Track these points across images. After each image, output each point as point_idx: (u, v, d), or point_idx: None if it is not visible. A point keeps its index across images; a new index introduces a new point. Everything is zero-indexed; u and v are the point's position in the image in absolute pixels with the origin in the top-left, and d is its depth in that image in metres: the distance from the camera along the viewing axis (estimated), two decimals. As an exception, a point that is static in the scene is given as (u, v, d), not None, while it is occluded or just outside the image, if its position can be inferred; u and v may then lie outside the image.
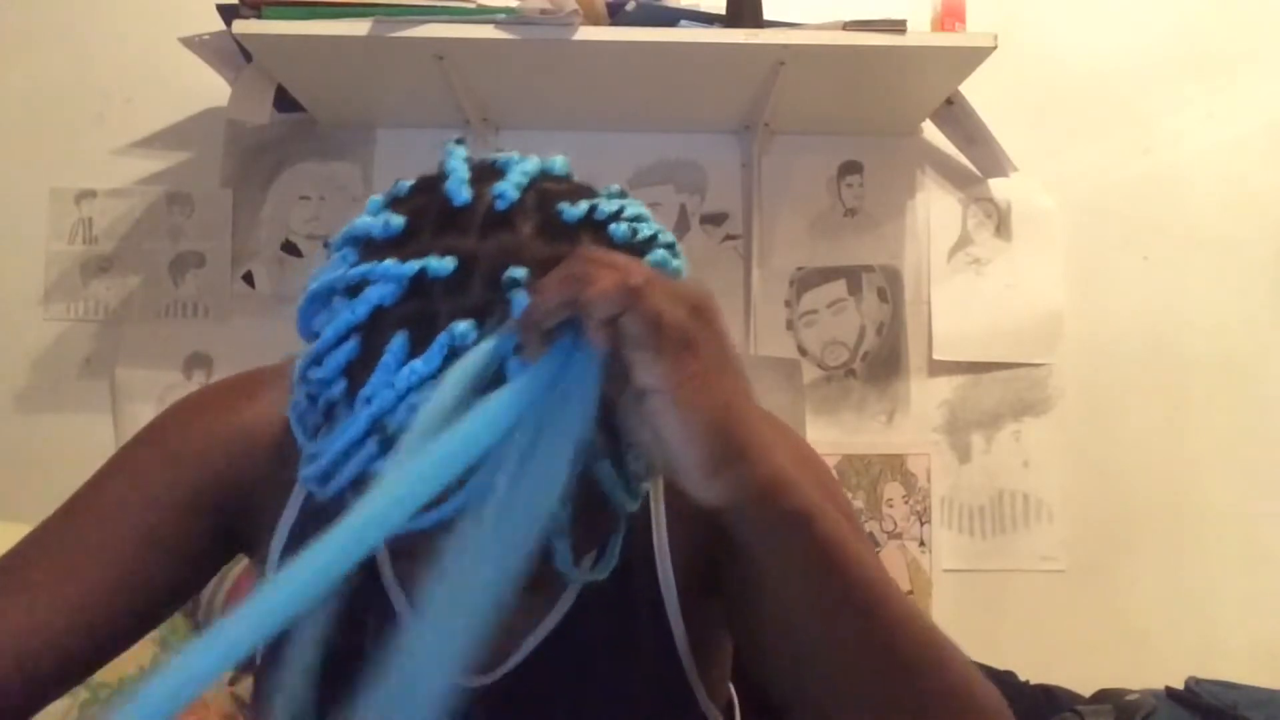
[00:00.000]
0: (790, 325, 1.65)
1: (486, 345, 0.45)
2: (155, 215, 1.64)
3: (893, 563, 1.61)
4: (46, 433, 1.58)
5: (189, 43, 1.46)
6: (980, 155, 1.64)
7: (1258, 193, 1.68)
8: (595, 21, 1.37)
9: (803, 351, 1.64)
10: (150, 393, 1.57)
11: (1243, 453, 1.64)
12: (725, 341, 0.46)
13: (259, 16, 1.32)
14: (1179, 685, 1.37)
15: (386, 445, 0.47)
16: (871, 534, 1.61)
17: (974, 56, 1.39)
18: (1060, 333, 1.65)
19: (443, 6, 1.32)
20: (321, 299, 0.51)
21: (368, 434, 0.47)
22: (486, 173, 0.53)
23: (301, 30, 1.31)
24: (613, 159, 1.65)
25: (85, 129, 1.65)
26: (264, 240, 1.64)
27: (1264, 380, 1.65)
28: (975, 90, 1.52)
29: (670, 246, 0.54)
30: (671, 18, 1.39)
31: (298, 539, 0.64)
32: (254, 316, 1.60)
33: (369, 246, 0.50)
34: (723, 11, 1.40)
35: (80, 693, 1.24)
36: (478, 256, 0.48)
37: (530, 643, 0.64)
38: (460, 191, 0.50)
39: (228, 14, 1.35)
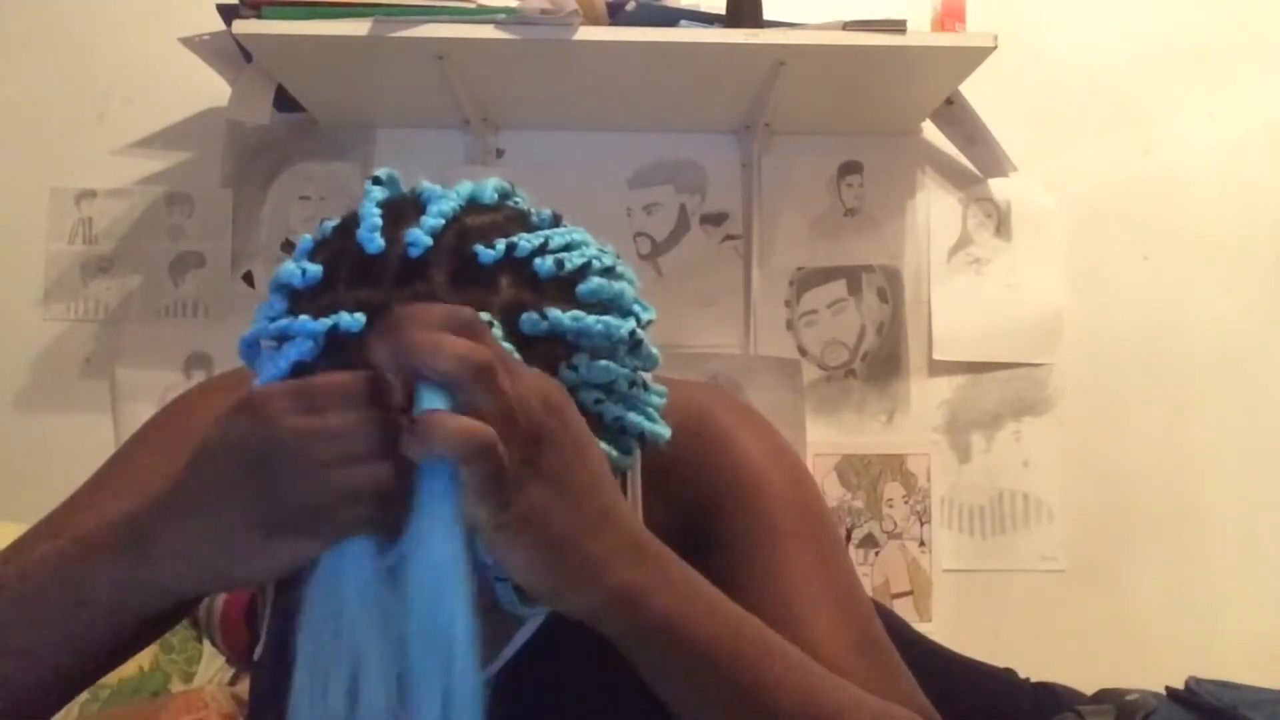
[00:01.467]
0: (790, 325, 1.65)
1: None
2: (155, 215, 1.64)
3: (893, 563, 1.61)
4: (46, 433, 1.58)
5: (189, 43, 1.46)
6: (980, 155, 1.64)
7: (1258, 193, 1.69)
8: (595, 21, 1.37)
9: (803, 351, 1.64)
10: (150, 393, 1.57)
11: (1243, 453, 1.64)
12: (575, 434, 0.45)
13: (259, 16, 1.32)
14: (1179, 685, 1.37)
15: None
16: (871, 534, 1.61)
17: (974, 56, 1.39)
18: (1060, 333, 1.65)
19: (443, 6, 1.32)
20: (252, 345, 0.51)
21: None
22: (405, 212, 0.51)
23: (301, 30, 1.31)
24: (613, 159, 1.65)
25: (85, 129, 1.65)
26: (264, 240, 1.64)
27: (1264, 380, 1.65)
28: (975, 90, 1.52)
29: (608, 271, 0.53)
30: (671, 18, 1.39)
31: None
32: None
33: (293, 295, 0.50)
34: (723, 11, 1.40)
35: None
36: (390, 309, 0.46)
37: (518, 640, 0.64)
38: (372, 240, 0.49)
39: (228, 14, 1.35)
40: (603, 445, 0.50)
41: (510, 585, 0.50)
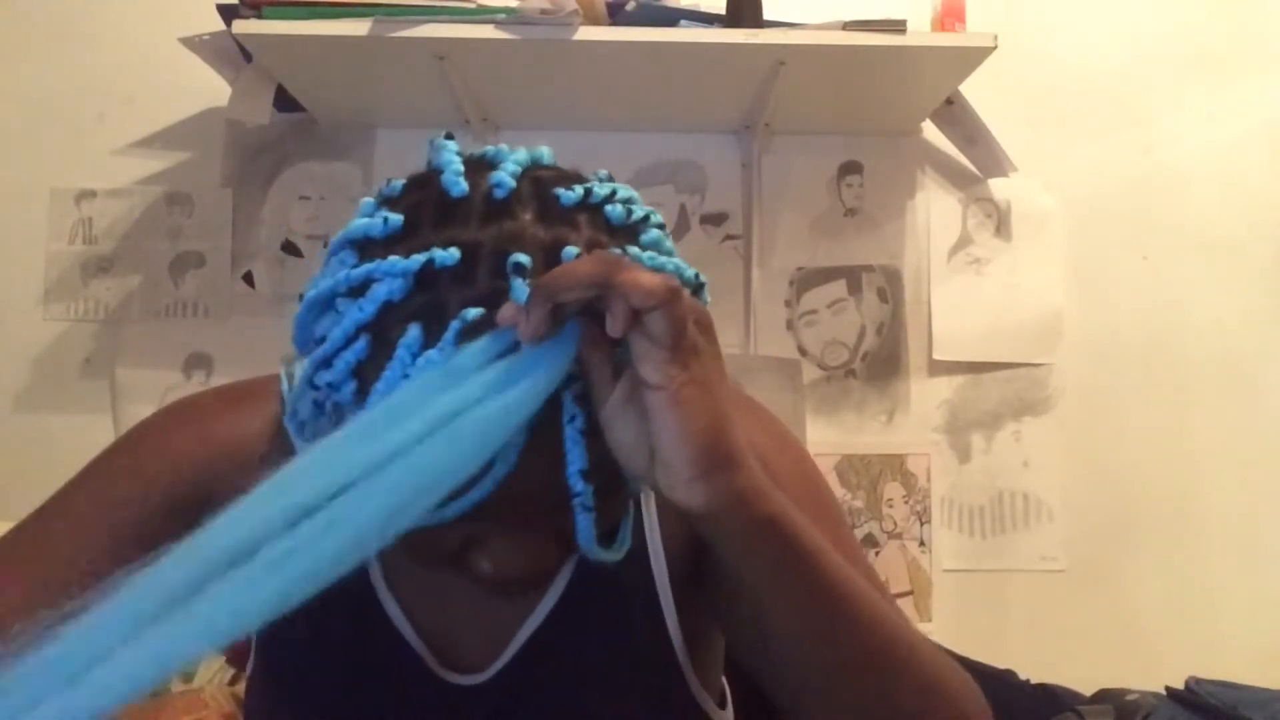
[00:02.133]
0: (790, 325, 1.65)
1: (492, 341, 0.46)
2: (155, 215, 1.64)
3: (893, 563, 1.61)
4: (46, 433, 1.58)
5: (189, 43, 1.46)
6: (980, 155, 1.64)
7: (1258, 193, 1.69)
8: (595, 21, 1.37)
9: (803, 351, 1.64)
10: (150, 393, 1.57)
11: (1243, 453, 1.64)
12: (721, 358, 0.49)
13: (259, 16, 1.32)
14: (1179, 685, 1.37)
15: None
16: (871, 534, 1.61)
17: (974, 56, 1.39)
18: (1060, 333, 1.65)
19: (443, 6, 1.32)
20: (323, 303, 0.51)
21: None
22: (479, 165, 0.53)
23: (301, 30, 1.31)
24: (613, 159, 1.65)
25: (85, 129, 1.65)
26: (264, 240, 1.64)
27: (1264, 380, 1.65)
28: (975, 90, 1.52)
29: (661, 227, 0.55)
30: (671, 18, 1.39)
31: None
32: (254, 316, 1.60)
33: (369, 246, 0.50)
34: (723, 11, 1.40)
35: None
36: (481, 245, 0.48)
37: (520, 638, 0.64)
38: (457, 183, 0.50)
39: (228, 14, 1.35)
40: None
41: (592, 520, 0.49)
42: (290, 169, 1.65)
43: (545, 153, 0.56)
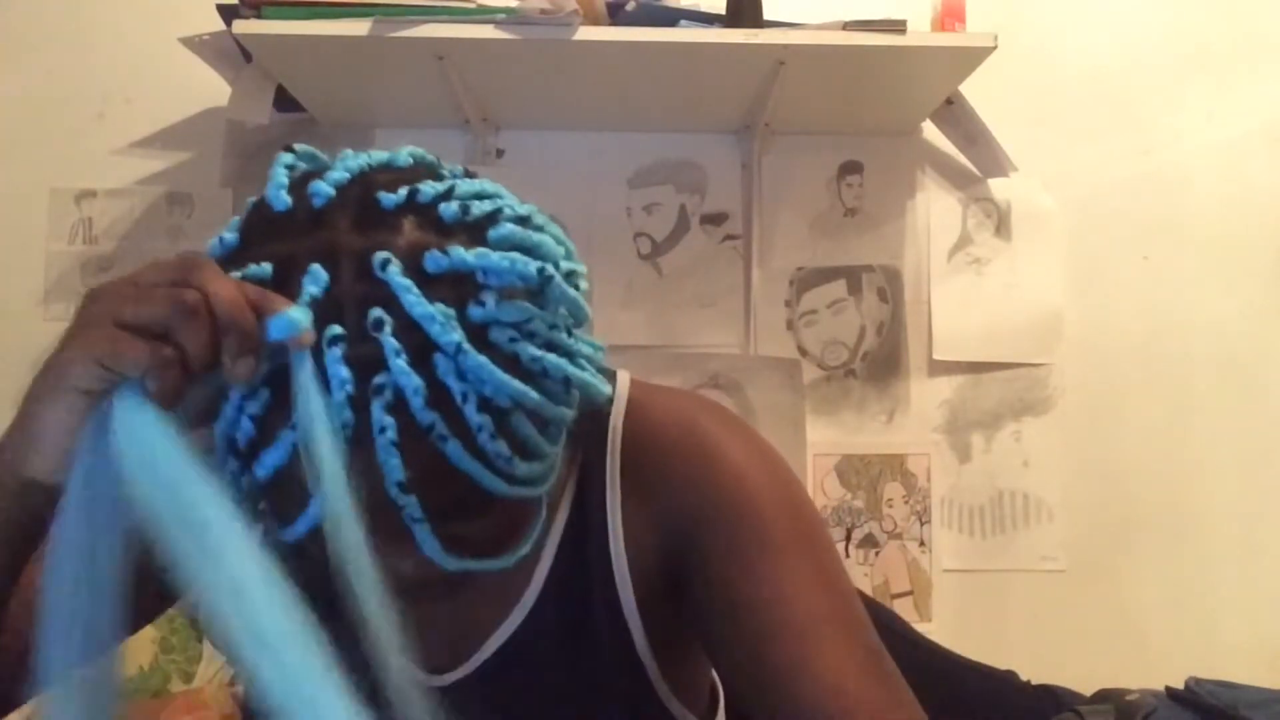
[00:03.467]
0: (790, 325, 1.65)
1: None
2: (155, 215, 1.64)
3: (893, 563, 1.61)
4: (46, 433, 1.58)
5: (189, 43, 1.46)
6: (980, 155, 1.64)
7: (1258, 193, 1.68)
8: (595, 21, 1.37)
9: (803, 351, 1.64)
10: (150, 393, 1.57)
11: (1243, 453, 1.64)
12: None
13: (259, 16, 1.32)
14: (1179, 685, 1.37)
15: (241, 458, 0.48)
16: (871, 534, 1.61)
17: (974, 56, 1.39)
18: (1060, 333, 1.65)
19: (443, 6, 1.32)
20: None
21: (224, 451, 0.48)
22: (316, 174, 0.53)
23: (301, 30, 1.31)
24: (613, 159, 1.65)
25: (85, 129, 1.65)
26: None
27: (1264, 380, 1.65)
28: (975, 90, 1.52)
29: (523, 220, 0.53)
30: (671, 18, 1.39)
31: None
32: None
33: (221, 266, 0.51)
34: (723, 11, 1.40)
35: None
36: (295, 257, 0.48)
37: (492, 644, 0.64)
38: (279, 197, 0.51)
39: (228, 14, 1.35)
40: (517, 383, 0.49)
41: (430, 531, 0.49)
42: (290, 169, 1.65)
43: (402, 153, 0.55)
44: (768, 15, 1.39)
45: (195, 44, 1.46)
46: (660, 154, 1.66)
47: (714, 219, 1.66)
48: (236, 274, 0.47)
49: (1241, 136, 1.70)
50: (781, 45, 1.35)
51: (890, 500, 1.62)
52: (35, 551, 0.51)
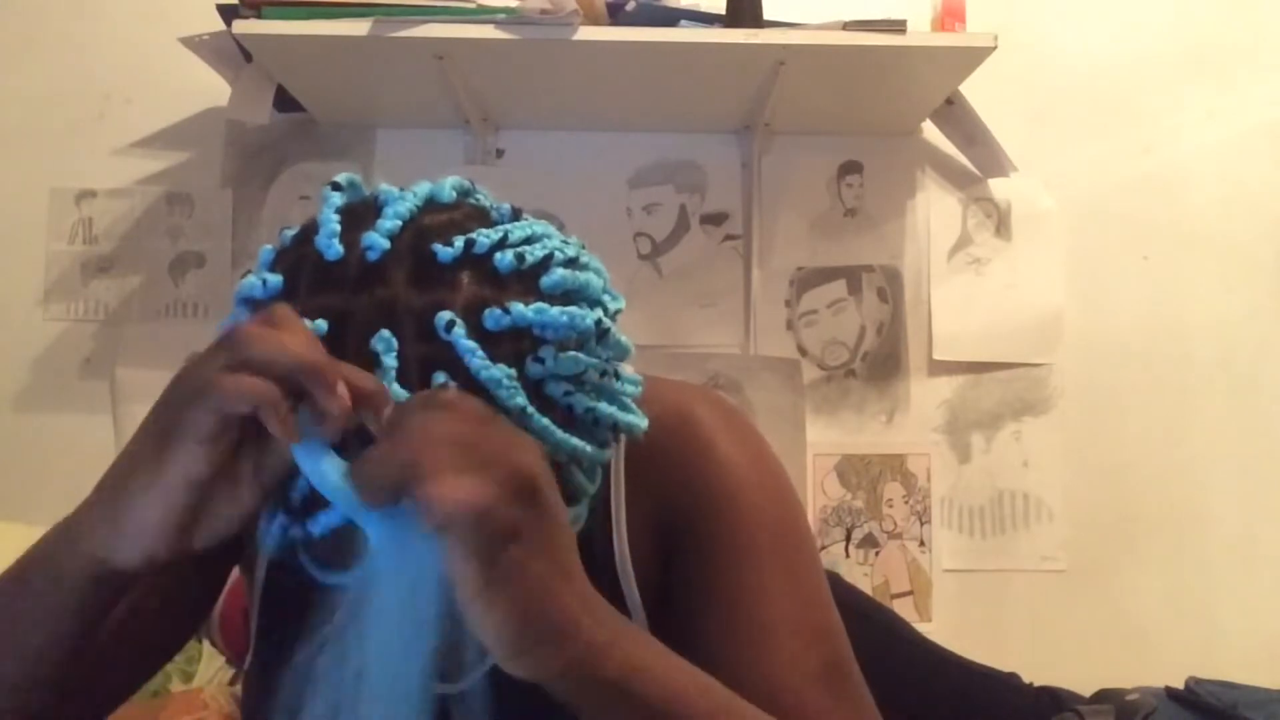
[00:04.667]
0: (790, 325, 1.65)
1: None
2: (155, 215, 1.64)
3: (893, 563, 1.61)
4: (46, 433, 1.58)
5: (189, 43, 1.46)
6: (980, 155, 1.64)
7: (1258, 193, 1.68)
8: (595, 21, 1.37)
9: (803, 351, 1.64)
10: (150, 393, 1.56)
11: (1243, 453, 1.64)
12: (549, 520, 0.45)
13: (259, 16, 1.32)
14: (1179, 685, 1.37)
15: (292, 514, 0.48)
16: (871, 534, 1.61)
17: (974, 56, 1.39)
18: (1060, 333, 1.65)
19: (443, 6, 1.32)
20: None
21: (276, 505, 0.48)
22: (363, 217, 0.51)
23: (301, 30, 1.31)
24: (613, 159, 1.65)
25: (85, 129, 1.65)
26: (264, 240, 1.64)
27: (1264, 380, 1.65)
28: (975, 90, 1.52)
29: (572, 262, 0.53)
30: (671, 18, 1.39)
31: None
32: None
33: (256, 307, 0.50)
34: (723, 11, 1.40)
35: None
36: (351, 314, 0.47)
37: None
38: (331, 246, 0.49)
39: (228, 14, 1.35)
40: (575, 440, 0.50)
41: None
42: (290, 169, 1.65)
43: (446, 187, 0.54)
44: (768, 15, 1.39)
45: (195, 44, 1.46)
46: (660, 154, 1.66)
47: (714, 219, 1.66)
48: None
49: (1241, 136, 1.70)
50: (781, 45, 1.35)
51: (890, 500, 1.62)
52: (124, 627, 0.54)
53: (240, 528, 0.48)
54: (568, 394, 0.51)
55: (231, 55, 1.46)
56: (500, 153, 1.65)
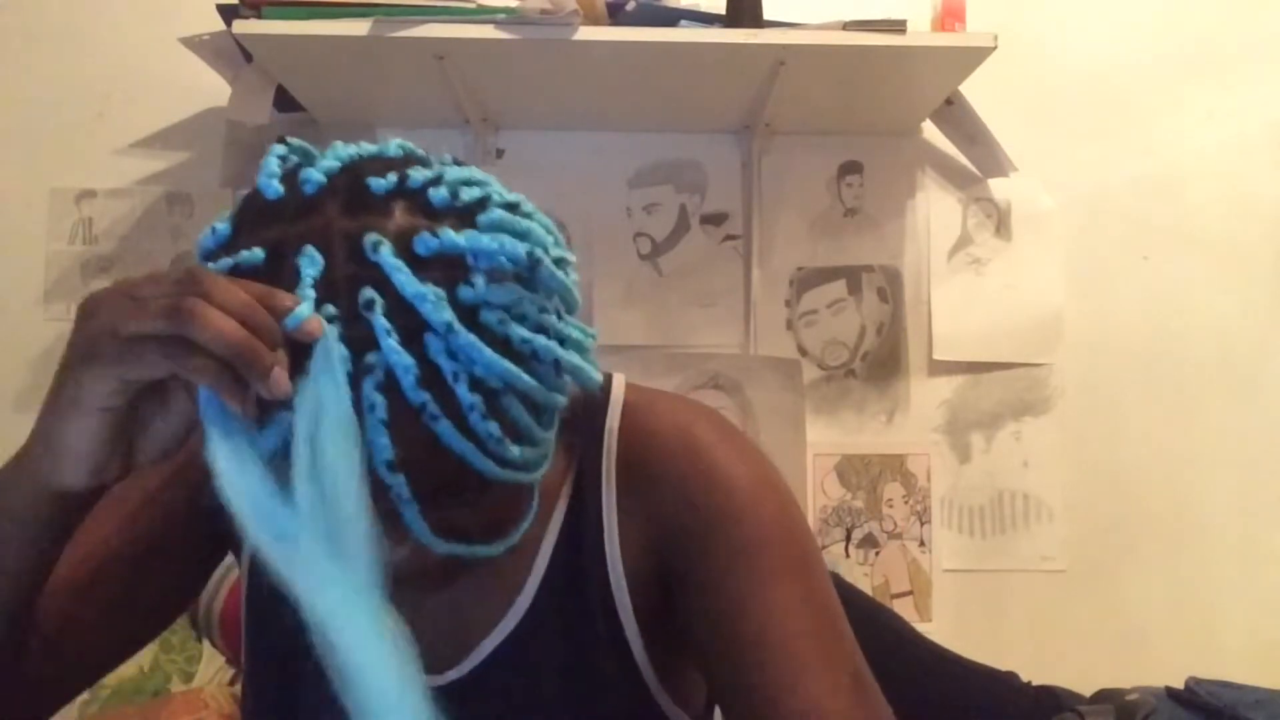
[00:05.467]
0: (790, 325, 1.65)
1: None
2: (155, 215, 1.64)
3: (893, 563, 1.61)
4: (46, 433, 1.58)
5: (189, 43, 1.46)
6: (980, 155, 1.64)
7: (1258, 193, 1.68)
8: (595, 21, 1.37)
9: (803, 351, 1.64)
10: (150, 393, 1.57)
11: (1243, 453, 1.64)
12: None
13: (259, 16, 1.32)
14: (1179, 685, 1.37)
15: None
16: (871, 534, 1.61)
17: (974, 56, 1.39)
18: (1060, 333, 1.65)
19: (443, 6, 1.32)
20: None
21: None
22: (304, 163, 0.53)
23: (301, 30, 1.31)
24: (613, 159, 1.65)
25: (85, 129, 1.65)
26: (264, 240, 1.64)
27: (1264, 380, 1.65)
28: (975, 90, 1.52)
29: (513, 206, 0.53)
30: (671, 18, 1.39)
31: None
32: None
33: (209, 257, 0.51)
34: (723, 11, 1.40)
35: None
36: (285, 242, 0.48)
37: (488, 644, 0.64)
38: (270, 185, 0.51)
39: (228, 14, 1.35)
40: (507, 364, 0.50)
41: (418, 513, 0.49)
42: (290, 169, 1.65)
43: (392, 145, 0.56)
44: (768, 15, 1.39)
45: (195, 44, 1.46)
46: (660, 154, 1.66)
47: (714, 219, 1.66)
48: (229, 260, 0.48)
49: (1241, 136, 1.70)
50: (781, 45, 1.35)
51: (890, 500, 1.62)
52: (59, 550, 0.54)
53: (186, 436, 0.49)
54: (502, 322, 0.50)
55: (231, 55, 1.46)
56: (500, 153, 1.65)
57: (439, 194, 0.51)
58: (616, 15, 1.39)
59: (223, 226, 0.51)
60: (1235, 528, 1.63)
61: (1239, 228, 1.67)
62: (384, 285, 0.47)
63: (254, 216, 0.51)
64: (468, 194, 0.51)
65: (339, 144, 0.54)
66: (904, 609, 1.57)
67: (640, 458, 0.65)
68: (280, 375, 0.44)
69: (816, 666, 0.59)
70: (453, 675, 0.65)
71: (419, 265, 0.48)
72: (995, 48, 1.35)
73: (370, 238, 0.48)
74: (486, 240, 0.49)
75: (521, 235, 0.52)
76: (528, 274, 0.51)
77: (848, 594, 1.35)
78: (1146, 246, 1.67)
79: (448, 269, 0.49)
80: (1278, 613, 1.61)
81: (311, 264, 0.47)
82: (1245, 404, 1.65)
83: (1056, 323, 1.65)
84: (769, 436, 1.58)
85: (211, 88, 1.55)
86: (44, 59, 1.65)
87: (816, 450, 1.62)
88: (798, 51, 1.36)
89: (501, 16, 1.32)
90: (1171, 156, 1.69)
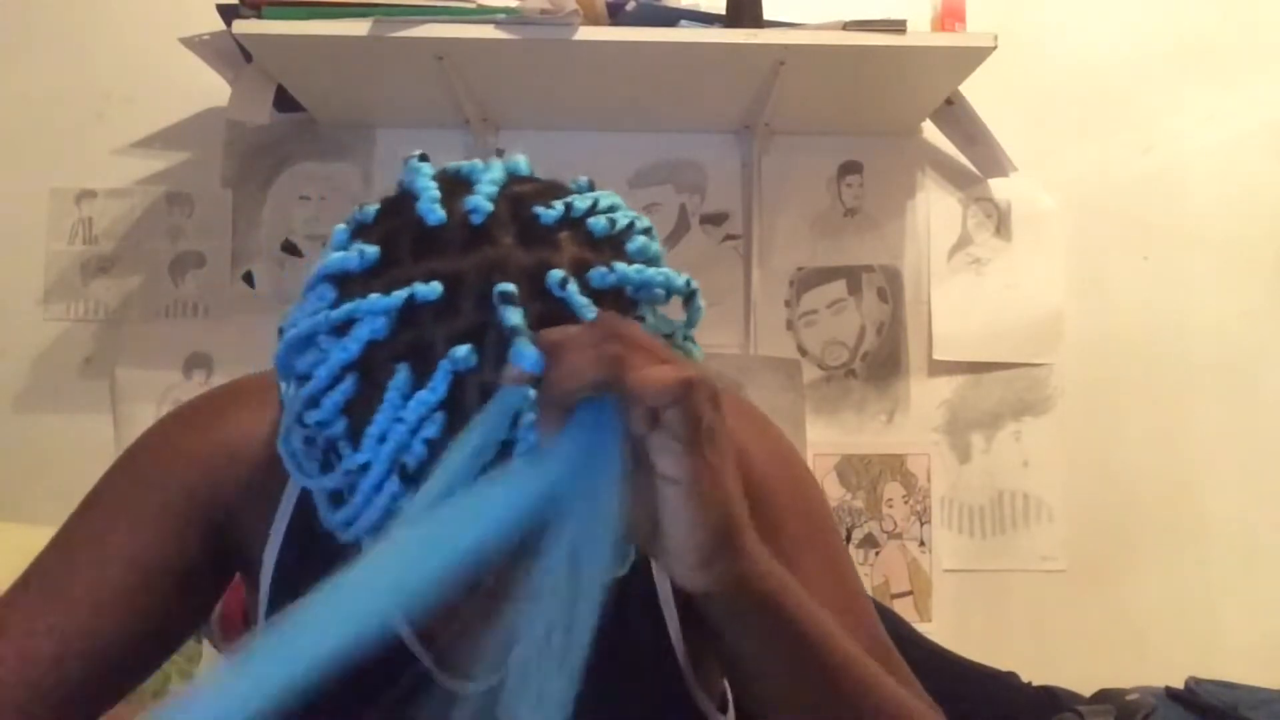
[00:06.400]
0: (790, 325, 1.65)
1: (501, 403, 0.45)
2: (155, 215, 1.64)
3: (893, 563, 1.61)
4: (46, 433, 1.58)
5: (189, 43, 1.46)
6: (980, 155, 1.64)
7: (1258, 193, 1.68)
8: (595, 21, 1.37)
9: (803, 351, 1.64)
10: (150, 393, 1.57)
11: (1243, 453, 1.64)
12: (728, 431, 0.47)
13: (259, 16, 1.32)
14: (1179, 685, 1.37)
15: (408, 481, 0.47)
16: (871, 534, 1.61)
17: (974, 56, 1.39)
18: (1060, 333, 1.65)
19: (443, 6, 1.32)
20: (305, 341, 0.50)
21: (389, 473, 0.47)
22: (454, 185, 0.52)
23: (301, 30, 1.31)
24: (613, 159, 1.65)
25: (85, 129, 1.65)
26: (264, 240, 1.64)
27: (1264, 381, 1.65)
28: (975, 90, 1.52)
29: (648, 231, 0.54)
30: (671, 18, 1.39)
31: (291, 549, 0.64)
32: (254, 316, 1.59)
33: (347, 281, 0.49)
34: (723, 11, 1.40)
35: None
36: (463, 275, 0.47)
37: None
38: (433, 210, 0.49)
39: (228, 14, 1.35)
40: None
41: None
42: (290, 169, 1.65)
43: (522, 163, 0.55)
44: (768, 15, 1.39)
45: (195, 44, 1.46)
46: (660, 154, 1.66)
47: (714, 219, 1.66)
48: (404, 292, 0.46)
49: (1241, 136, 1.69)
50: (781, 45, 1.35)
51: (890, 500, 1.62)
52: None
53: None
54: None
55: (231, 55, 1.46)
56: (500, 153, 1.63)
57: (599, 224, 0.51)
58: (616, 15, 1.39)
59: (371, 251, 0.49)
60: (1235, 527, 1.63)
61: (1239, 228, 1.67)
62: (568, 322, 0.46)
63: (414, 243, 0.49)
64: (619, 222, 0.52)
65: (478, 164, 0.53)
66: (904, 609, 1.57)
67: None
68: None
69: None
70: (493, 679, 0.65)
71: (594, 299, 0.48)
72: (995, 48, 1.35)
73: (555, 274, 0.47)
74: (653, 274, 0.50)
75: (657, 261, 0.53)
76: (684, 301, 0.53)
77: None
78: (1146, 246, 1.67)
79: (615, 301, 0.49)
80: (1278, 613, 1.61)
81: (513, 312, 0.45)
82: (1245, 404, 1.65)
83: (1056, 323, 1.65)
84: (769, 436, 1.58)
85: (211, 88, 1.55)
86: (44, 59, 1.65)
87: (816, 450, 1.62)
88: (798, 51, 1.36)
89: (501, 16, 1.32)
90: (1171, 156, 1.69)
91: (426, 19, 1.31)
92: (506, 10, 1.32)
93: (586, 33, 1.33)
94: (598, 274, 0.49)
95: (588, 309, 0.47)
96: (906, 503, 1.62)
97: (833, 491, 1.61)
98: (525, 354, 0.43)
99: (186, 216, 1.64)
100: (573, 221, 0.50)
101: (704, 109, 1.58)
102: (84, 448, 1.54)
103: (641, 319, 0.50)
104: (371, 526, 0.49)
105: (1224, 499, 1.63)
